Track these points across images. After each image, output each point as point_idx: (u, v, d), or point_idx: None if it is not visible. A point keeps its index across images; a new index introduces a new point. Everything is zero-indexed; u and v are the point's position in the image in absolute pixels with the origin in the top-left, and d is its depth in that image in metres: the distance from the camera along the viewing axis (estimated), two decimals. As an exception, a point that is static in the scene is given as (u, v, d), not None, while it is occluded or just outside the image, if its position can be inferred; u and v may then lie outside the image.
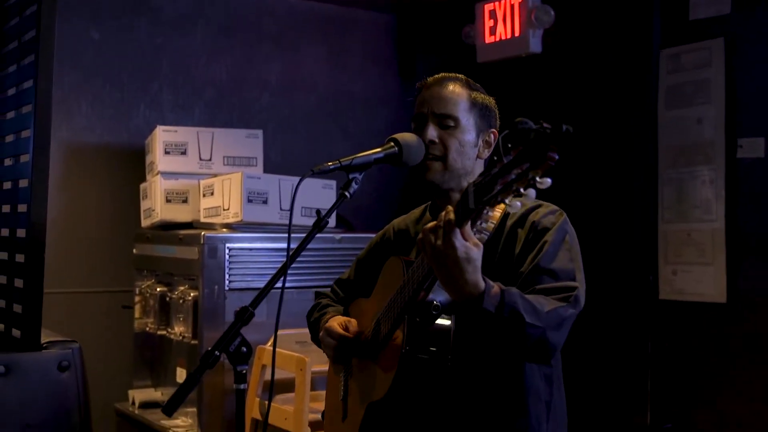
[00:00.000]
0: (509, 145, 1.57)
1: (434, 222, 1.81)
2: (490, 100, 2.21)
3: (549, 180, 1.55)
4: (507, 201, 1.60)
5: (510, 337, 1.87)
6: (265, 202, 3.87)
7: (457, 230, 1.76)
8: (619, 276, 4.20)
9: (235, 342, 1.89)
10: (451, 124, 2.14)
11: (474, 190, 1.68)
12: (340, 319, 2.27)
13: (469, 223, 1.77)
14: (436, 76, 2.23)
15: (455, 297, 1.85)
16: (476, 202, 1.68)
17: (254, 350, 3.55)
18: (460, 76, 2.23)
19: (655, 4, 4.16)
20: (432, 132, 2.15)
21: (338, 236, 4.04)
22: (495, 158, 1.61)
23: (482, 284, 1.83)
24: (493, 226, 1.84)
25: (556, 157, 1.52)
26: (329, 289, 2.55)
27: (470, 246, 1.78)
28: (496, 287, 1.86)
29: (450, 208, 1.79)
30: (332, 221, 4.13)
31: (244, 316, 1.89)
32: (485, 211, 1.71)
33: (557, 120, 1.52)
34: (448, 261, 1.77)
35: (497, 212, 2.01)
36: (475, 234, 1.82)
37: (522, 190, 1.57)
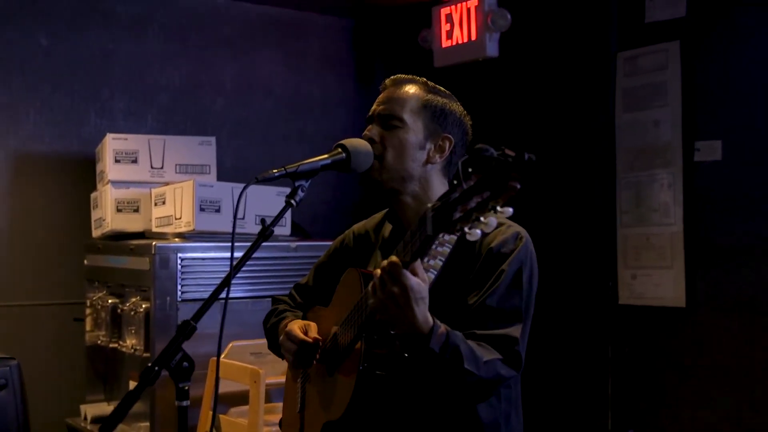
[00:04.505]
0: (469, 170, 1.49)
1: (378, 270, 1.76)
2: (451, 105, 2.14)
3: (510, 209, 1.48)
4: (467, 229, 1.52)
5: (447, 377, 1.86)
6: (218, 210, 3.79)
7: (406, 272, 1.71)
8: (578, 281, 4.17)
9: (177, 357, 1.83)
10: (396, 124, 2.09)
11: (432, 215, 1.60)
12: (300, 323, 2.18)
13: (419, 259, 1.72)
14: (395, 77, 2.18)
15: (403, 331, 1.80)
16: (434, 228, 1.60)
17: (206, 363, 3.48)
18: (419, 78, 2.17)
19: (612, 7, 4.15)
20: (372, 131, 2.11)
21: (294, 244, 3.97)
22: (455, 182, 1.53)
23: (431, 321, 1.80)
24: (441, 264, 1.78)
25: (518, 186, 1.45)
26: (287, 294, 2.48)
27: (422, 284, 1.74)
28: (442, 327, 1.82)
29: (393, 258, 1.73)
30: (287, 229, 4.05)
31: (186, 330, 1.83)
32: (437, 242, 1.65)
33: (520, 148, 1.45)
34: (401, 302, 1.73)
35: (446, 248, 1.94)
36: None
37: (482, 219, 1.50)
